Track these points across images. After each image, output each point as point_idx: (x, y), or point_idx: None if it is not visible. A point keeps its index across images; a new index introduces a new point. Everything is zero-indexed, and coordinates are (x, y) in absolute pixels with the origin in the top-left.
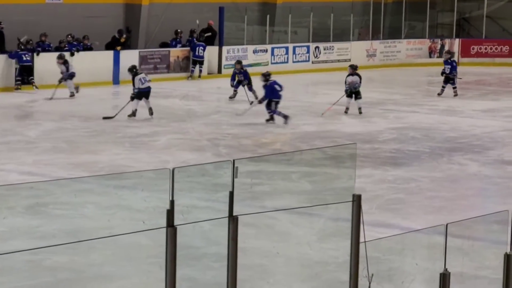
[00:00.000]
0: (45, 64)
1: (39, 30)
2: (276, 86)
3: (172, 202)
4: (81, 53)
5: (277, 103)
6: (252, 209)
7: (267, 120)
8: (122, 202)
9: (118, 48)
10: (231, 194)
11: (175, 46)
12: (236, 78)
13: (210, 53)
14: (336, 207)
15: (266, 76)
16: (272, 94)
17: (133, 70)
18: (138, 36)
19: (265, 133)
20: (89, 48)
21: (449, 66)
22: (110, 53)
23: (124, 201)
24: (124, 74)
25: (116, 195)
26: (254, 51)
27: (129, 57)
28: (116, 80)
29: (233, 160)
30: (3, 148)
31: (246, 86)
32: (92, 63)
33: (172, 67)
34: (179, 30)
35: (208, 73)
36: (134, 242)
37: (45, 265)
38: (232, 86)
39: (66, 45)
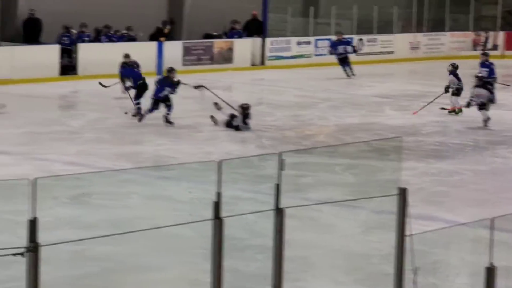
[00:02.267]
0: (87, 54)
1: (82, 20)
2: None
3: (218, 194)
4: (125, 43)
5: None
6: (295, 201)
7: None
8: (165, 192)
9: (162, 39)
10: (278, 187)
11: (231, 36)
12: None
13: (253, 44)
14: (380, 199)
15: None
16: None
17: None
18: (181, 27)
19: (308, 125)
20: (133, 39)
21: (487, 69)
22: (154, 44)
23: (167, 192)
24: (168, 65)
25: (159, 186)
26: (298, 43)
27: (173, 48)
28: (160, 71)
29: (280, 153)
30: (47, 138)
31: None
32: (135, 54)
33: (215, 59)
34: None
35: (252, 65)
36: (177, 233)
37: (89, 255)
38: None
39: (103, 36)
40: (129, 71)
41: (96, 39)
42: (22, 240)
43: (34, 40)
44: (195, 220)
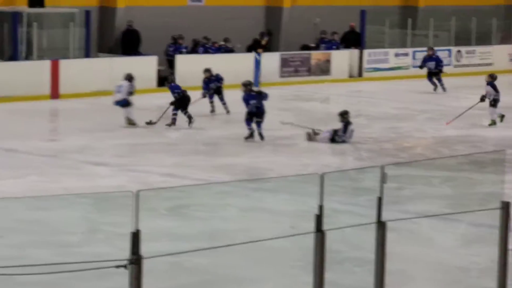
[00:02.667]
0: (185, 66)
1: (179, 32)
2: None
3: (320, 207)
4: (222, 55)
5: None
6: (394, 213)
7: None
8: (262, 205)
9: (260, 50)
10: (380, 200)
11: (330, 48)
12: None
13: (351, 56)
14: (479, 212)
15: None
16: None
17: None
18: (279, 38)
19: (406, 137)
20: (231, 50)
21: None
22: (251, 55)
23: (265, 204)
24: (265, 77)
25: (256, 198)
26: (395, 55)
27: (270, 60)
28: (257, 83)
29: (382, 166)
30: (144, 150)
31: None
32: (233, 65)
33: (313, 70)
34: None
35: (349, 76)
36: (275, 245)
37: (186, 267)
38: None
39: (200, 47)
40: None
41: (194, 50)
42: (121, 251)
43: (133, 52)
44: (295, 232)
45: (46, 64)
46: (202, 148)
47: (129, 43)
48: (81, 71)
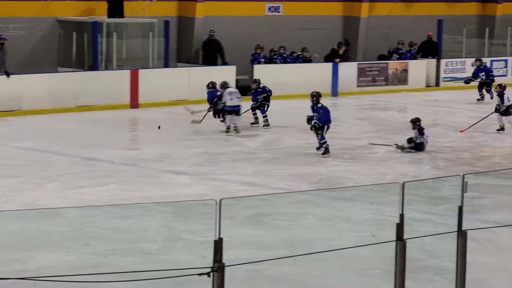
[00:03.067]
0: (263, 76)
1: (256, 42)
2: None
3: (401, 216)
4: (300, 64)
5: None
6: (473, 222)
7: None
8: (341, 213)
9: (337, 60)
10: (460, 209)
11: (405, 57)
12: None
13: (428, 66)
14: None
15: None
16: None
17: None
18: (356, 48)
19: (483, 146)
20: (308, 60)
21: None
22: (329, 65)
23: (344, 213)
24: (343, 86)
25: (335, 206)
26: (472, 64)
27: (348, 69)
28: (335, 92)
29: (463, 175)
30: (224, 159)
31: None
32: (310, 75)
33: (390, 80)
34: (400, 41)
35: (426, 86)
36: (355, 253)
37: (267, 275)
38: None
39: (277, 57)
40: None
41: (271, 60)
42: (201, 259)
43: (213, 61)
44: (376, 241)
45: (126, 74)
46: (281, 157)
47: (209, 53)
48: (160, 81)
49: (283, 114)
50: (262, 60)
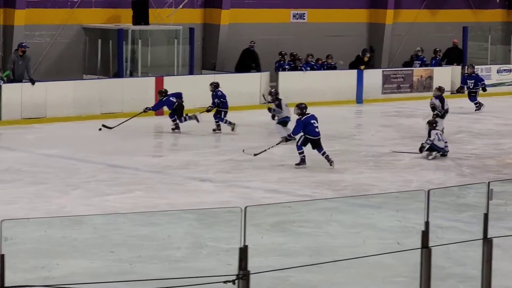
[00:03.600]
0: (288, 83)
1: (281, 49)
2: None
3: (427, 224)
4: (325, 71)
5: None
6: (497, 230)
7: (214, 130)
8: (366, 221)
9: (362, 67)
10: (486, 216)
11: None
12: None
13: (453, 72)
14: None
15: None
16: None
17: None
18: (381, 55)
19: (509, 153)
20: (333, 67)
21: None
22: (354, 72)
23: (369, 220)
24: (367, 93)
25: (361, 214)
26: (498, 71)
27: (373, 76)
28: (359, 99)
29: (488, 182)
30: (248, 166)
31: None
32: (335, 82)
33: (415, 87)
34: (419, 48)
35: (451, 93)
36: (379, 261)
37: (292, 282)
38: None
39: (302, 64)
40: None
41: (294, 67)
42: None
43: (247, 70)
44: (401, 249)
45: (151, 81)
46: (306, 164)
47: (246, 62)
48: (185, 88)
49: None
50: (287, 67)
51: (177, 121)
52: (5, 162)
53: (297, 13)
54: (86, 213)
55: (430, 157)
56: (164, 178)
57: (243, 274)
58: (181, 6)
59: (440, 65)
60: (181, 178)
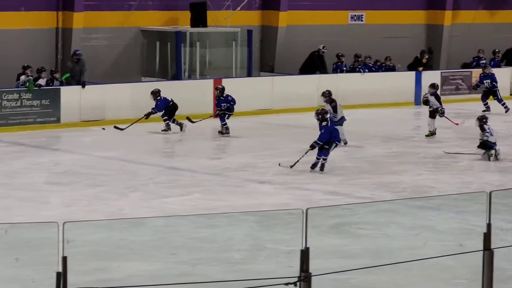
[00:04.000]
0: (345, 84)
1: (339, 50)
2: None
3: (489, 226)
4: (383, 73)
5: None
6: None
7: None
8: (426, 223)
9: (420, 68)
10: None
11: (476, 66)
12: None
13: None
14: None
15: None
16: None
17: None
18: (439, 56)
19: None
20: (391, 69)
21: None
22: (412, 73)
23: (428, 222)
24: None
25: (420, 216)
26: None
27: (431, 78)
28: (418, 101)
29: None
30: (307, 168)
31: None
32: (393, 84)
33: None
34: (480, 50)
35: (510, 94)
36: (439, 263)
37: (352, 284)
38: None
39: (361, 66)
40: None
41: (353, 68)
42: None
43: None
44: (462, 250)
45: (209, 83)
46: (364, 166)
47: (312, 65)
48: (243, 90)
49: (366, 123)
50: (345, 68)
51: (169, 122)
52: (63, 164)
53: (355, 15)
54: (145, 215)
55: (491, 157)
56: (223, 180)
57: (305, 276)
58: (239, 8)
59: (499, 66)
60: (240, 180)
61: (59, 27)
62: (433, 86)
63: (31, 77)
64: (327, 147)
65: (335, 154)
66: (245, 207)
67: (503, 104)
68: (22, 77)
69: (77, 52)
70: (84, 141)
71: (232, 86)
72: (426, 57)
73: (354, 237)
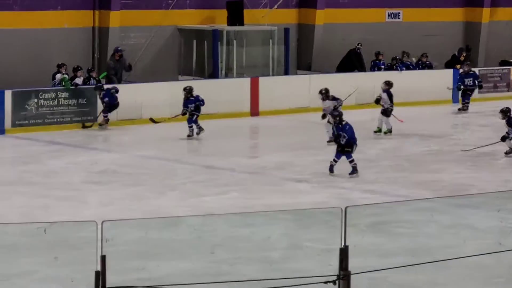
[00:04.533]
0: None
1: (376, 48)
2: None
3: None
4: (420, 71)
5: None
6: None
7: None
8: (465, 221)
9: (458, 66)
10: None
11: None
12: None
13: None
14: None
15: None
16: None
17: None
18: (477, 54)
19: None
20: (429, 66)
21: None
22: (450, 71)
23: (467, 220)
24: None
25: (459, 214)
26: None
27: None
28: (455, 99)
29: None
30: (344, 166)
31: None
32: (431, 82)
33: None
34: None
35: None
36: (478, 262)
37: (390, 282)
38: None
39: (398, 64)
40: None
41: (390, 66)
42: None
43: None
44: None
45: (246, 82)
46: (403, 164)
47: (350, 63)
48: (280, 88)
49: (404, 121)
50: (382, 66)
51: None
52: (102, 163)
53: (392, 13)
54: (183, 214)
55: None
56: (260, 179)
57: (344, 275)
58: (276, 6)
59: None
60: (277, 178)
61: (95, 26)
62: (387, 83)
63: (66, 75)
64: (349, 149)
65: (373, 152)
66: (282, 205)
67: (466, 103)
68: (58, 76)
69: (119, 49)
70: (123, 140)
71: (269, 85)
72: (464, 54)
73: (392, 236)
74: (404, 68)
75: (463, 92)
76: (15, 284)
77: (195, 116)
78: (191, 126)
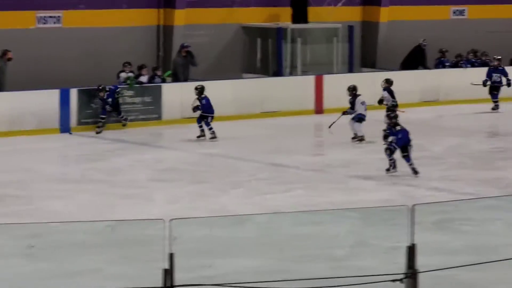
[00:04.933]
0: (448, 80)
1: (440, 46)
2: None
3: None
4: (484, 69)
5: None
6: None
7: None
8: None
9: None
10: None
11: None
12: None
13: None
14: None
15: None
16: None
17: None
18: None
19: None
20: (487, 64)
21: None
22: None
23: None
24: None
25: None
26: None
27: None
28: None
29: None
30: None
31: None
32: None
33: None
34: None
35: None
36: None
37: (457, 281)
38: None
39: (462, 62)
40: None
41: (456, 64)
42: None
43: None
44: None
45: (310, 80)
46: (468, 161)
47: (414, 59)
48: (344, 86)
49: (469, 118)
50: (448, 64)
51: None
52: (166, 161)
53: (457, 10)
54: (247, 212)
55: None
56: (325, 177)
57: (411, 273)
58: (340, 4)
59: None
60: (342, 176)
61: (160, 24)
62: (387, 81)
63: (131, 74)
64: (406, 153)
65: (438, 149)
66: (347, 203)
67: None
68: (122, 75)
69: (185, 45)
70: (187, 138)
71: (333, 82)
72: None
73: (457, 234)
74: (469, 66)
75: (491, 89)
76: (76, 283)
77: (210, 118)
78: (201, 126)
